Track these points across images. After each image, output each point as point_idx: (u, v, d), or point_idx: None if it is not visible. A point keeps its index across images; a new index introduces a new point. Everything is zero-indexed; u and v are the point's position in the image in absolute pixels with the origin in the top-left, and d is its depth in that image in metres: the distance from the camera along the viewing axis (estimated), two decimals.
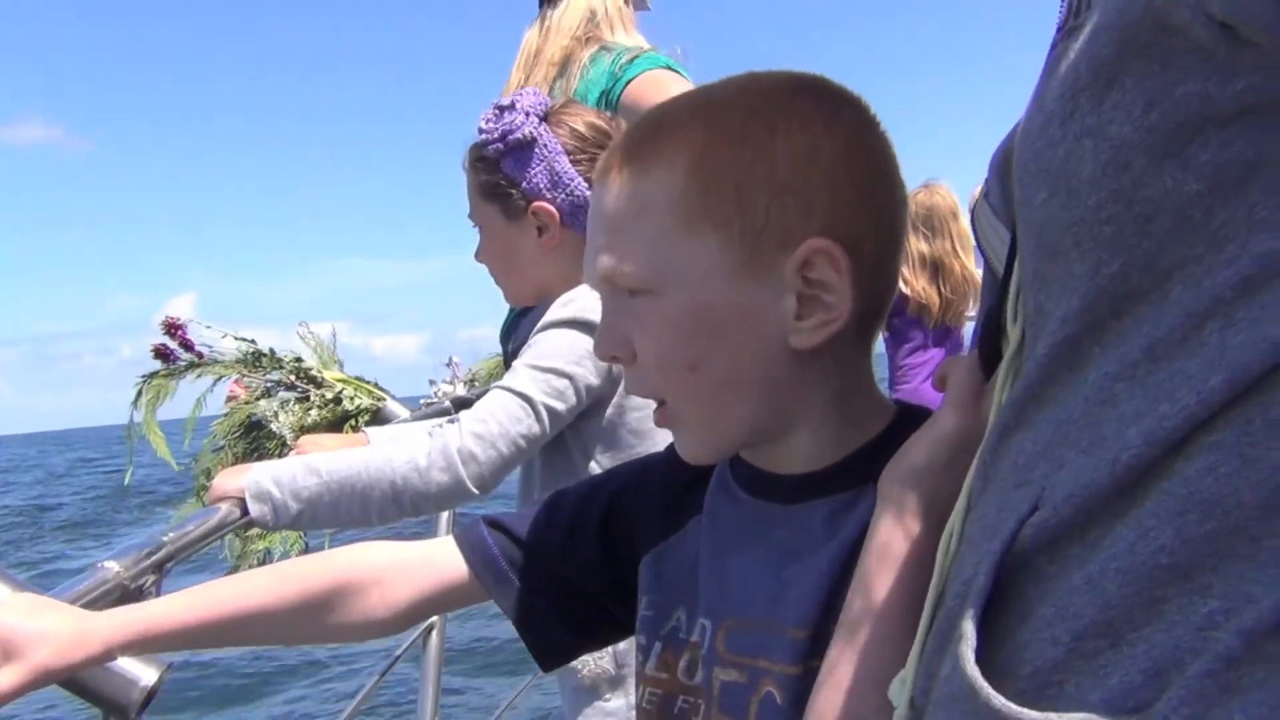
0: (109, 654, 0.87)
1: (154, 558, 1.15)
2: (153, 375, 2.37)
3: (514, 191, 1.59)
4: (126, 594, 1.08)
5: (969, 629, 0.51)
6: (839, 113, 0.76)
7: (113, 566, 1.07)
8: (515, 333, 2.19)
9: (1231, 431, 0.44)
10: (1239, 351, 0.44)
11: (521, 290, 1.70)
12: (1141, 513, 0.46)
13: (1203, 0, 0.42)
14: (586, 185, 1.54)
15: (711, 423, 0.78)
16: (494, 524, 0.92)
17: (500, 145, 1.57)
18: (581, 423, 1.57)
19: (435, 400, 2.56)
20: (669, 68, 2.17)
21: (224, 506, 1.38)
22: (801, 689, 0.72)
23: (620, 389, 1.56)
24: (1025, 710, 0.47)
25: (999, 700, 0.48)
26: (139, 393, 2.34)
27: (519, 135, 1.55)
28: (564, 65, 2.23)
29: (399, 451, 1.44)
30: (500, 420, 1.45)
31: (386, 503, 1.42)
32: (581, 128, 1.57)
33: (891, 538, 0.67)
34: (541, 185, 1.57)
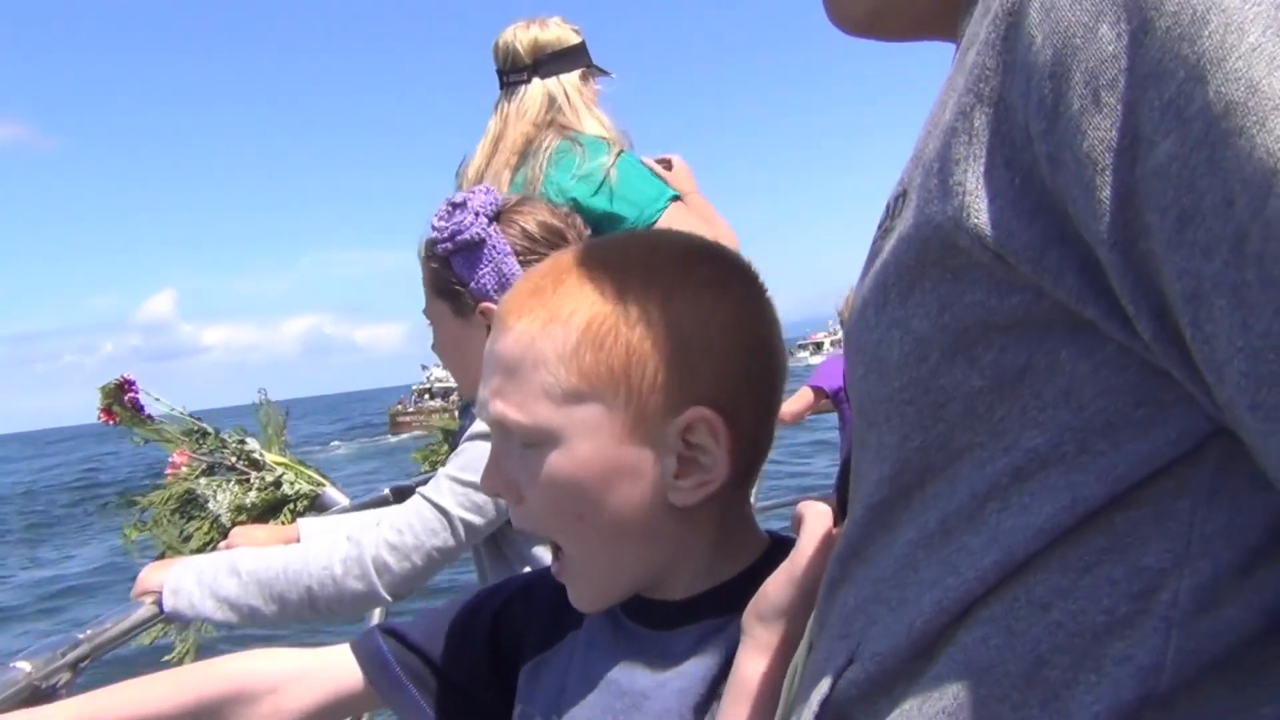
0: None
1: (67, 657, 1.16)
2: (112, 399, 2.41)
3: (462, 290, 1.58)
4: (37, 694, 1.09)
5: None
6: (730, 284, 0.81)
7: (24, 666, 1.08)
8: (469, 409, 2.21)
9: (1001, 607, 0.50)
10: (1009, 535, 0.50)
11: (472, 386, 1.71)
12: (930, 675, 0.52)
13: (977, 232, 0.49)
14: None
15: (599, 572, 0.81)
16: (389, 632, 0.95)
17: (449, 245, 1.56)
18: (511, 533, 1.60)
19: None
20: (675, 199, 2.18)
21: (145, 602, 1.40)
22: None
23: None
24: None
25: None
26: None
27: (467, 236, 1.54)
28: (524, 151, 2.26)
29: (317, 557, 1.46)
30: (416, 532, 1.48)
31: (302, 606, 1.45)
32: (532, 227, 1.56)
33: (747, 672, 0.71)
34: (489, 286, 1.55)
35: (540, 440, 0.77)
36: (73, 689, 1.15)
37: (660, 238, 0.86)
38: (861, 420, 0.59)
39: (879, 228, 0.60)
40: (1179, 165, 0.41)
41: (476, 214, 1.56)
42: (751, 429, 0.80)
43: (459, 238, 1.55)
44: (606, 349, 0.76)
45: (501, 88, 2.37)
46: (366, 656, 0.94)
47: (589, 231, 1.61)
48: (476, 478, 1.49)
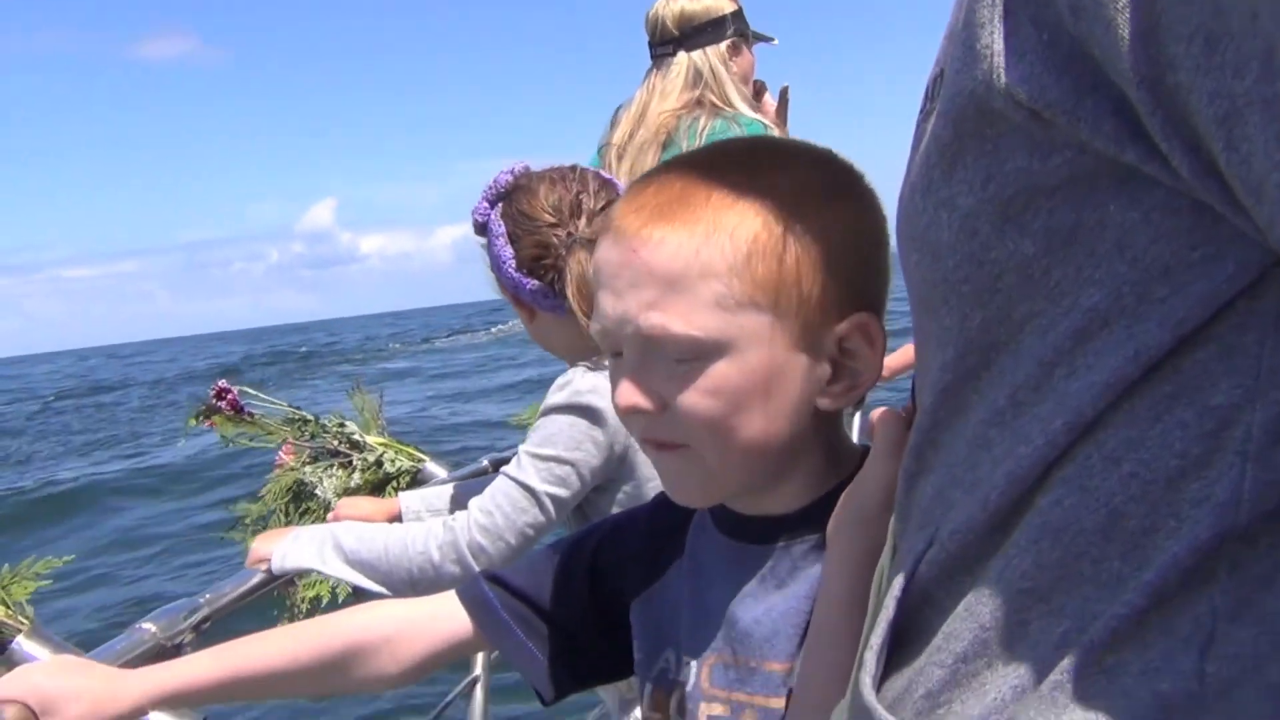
0: (139, 710, 0.94)
1: (190, 620, 1.22)
2: (207, 414, 2.51)
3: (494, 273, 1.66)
4: (164, 653, 1.15)
5: (870, 658, 0.57)
6: (862, 191, 0.83)
7: (150, 628, 1.15)
8: None
9: (1073, 468, 0.50)
10: (1076, 396, 0.49)
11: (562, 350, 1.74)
12: (1009, 543, 0.52)
13: (1011, 91, 0.48)
14: (515, 267, 1.56)
15: (727, 474, 0.81)
16: (492, 579, 0.98)
17: (474, 226, 1.65)
18: (598, 499, 1.62)
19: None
20: None
21: (261, 570, 1.47)
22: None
23: (630, 470, 1.60)
24: None
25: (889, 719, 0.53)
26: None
27: (476, 219, 1.63)
28: (674, 130, 2.22)
29: (415, 543, 1.51)
30: (505, 511, 1.51)
31: (404, 587, 1.51)
32: (525, 207, 1.58)
33: (834, 582, 0.73)
34: (494, 268, 1.62)
35: (705, 352, 0.76)
36: (196, 648, 1.21)
37: (785, 148, 0.87)
38: (921, 310, 0.59)
39: (920, 113, 0.60)
40: None
41: (483, 197, 1.62)
42: (885, 334, 0.82)
43: (475, 221, 1.64)
44: (777, 260, 0.76)
45: (652, 59, 2.33)
46: (473, 603, 0.97)
47: (607, 192, 1.59)
48: (557, 451, 1.53)
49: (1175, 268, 0.46)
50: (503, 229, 1.58)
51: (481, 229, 1.63)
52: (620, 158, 2.20)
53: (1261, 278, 0.45)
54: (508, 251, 1.58)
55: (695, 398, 0.77)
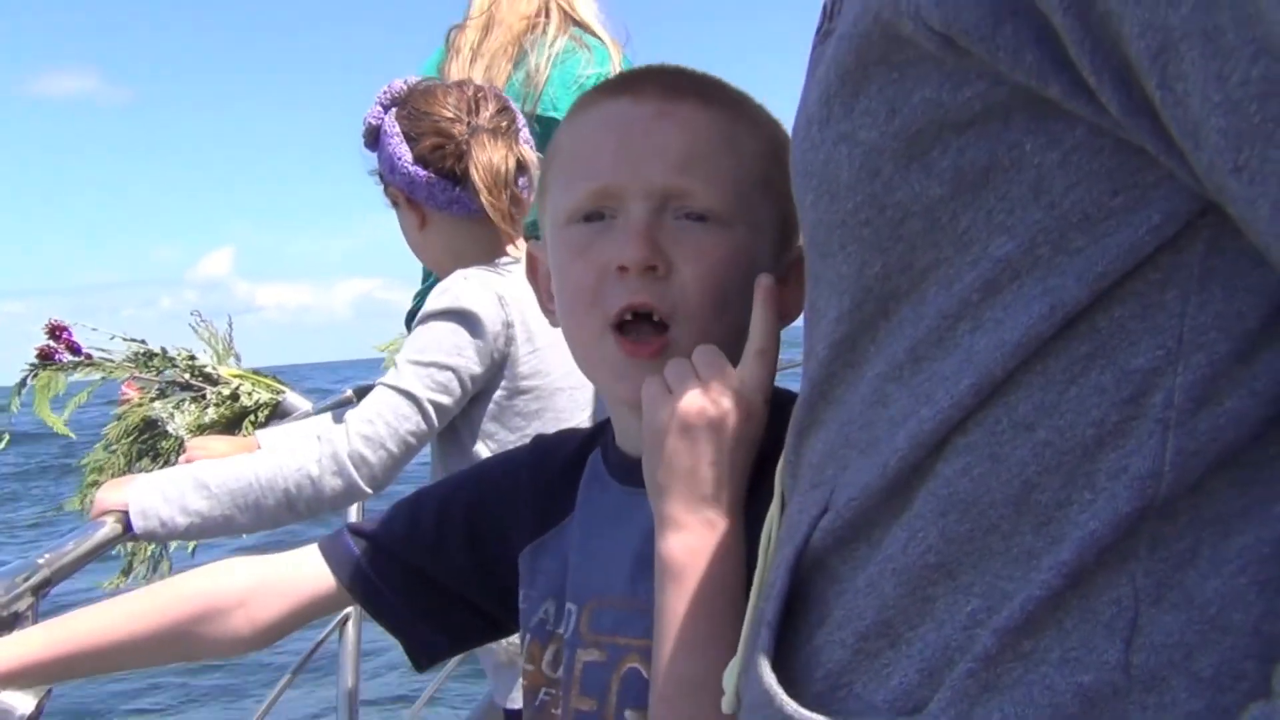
0: None
1: (29, 582, 1.12)
2: (40, 367, 2.32)
3: (380, 178, 1.63)
4: (0, 622, 1.05)
5: (766, 635, 0.53)
6: None
7: None
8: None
9: (981, 433, 0.46)
10: (984, 354, 0.46)
11: (430, 264, 1.73)
12: (911, 514, 0.48)
13: (921, 13, 0.44)
14: (411, 162, 1.55)
15: None
16: (358, 532, 0.92)
17: (364, 136, 1.61)
18: (471, 408, 1.58)
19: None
20: None
21: (107, 522, 1.36)
22: None
23: (508, 373, 1.57)
24: (815, 715, 0.49)
25: (791, 707, 0.50)
26: (23, 381, 2.31)
27: (368, 124, 1.60)
28: (522, 41, 2.08)
29: (289, 460, 1.43)
30: (387, 419, 1.45)
31: (281, 510, 1.43)
32: (423, 105, 1.57)
33: (671, 547, 0.70)
34: (386, 170, 1.59)
35: (726, 217, 0.77)
36: (38, 615, 1.11)
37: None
38: (816, 253, 0.54)
39: (817, 33, 0.55)
40: None
41: (377, 102, 1.60)
42: None
43: (364, 128, 1.61)
44: (780, 167, 0.74)
45: None
46: (338, 561, 0.91)
47: (499, 100, 1.59)
48: (439, 357, 1.48)
49: (1095, 215, 0.43)
50: (397, 128, 1.57)
51: (373, 135, 1.60)
52: (473, 61, 2.08)
53: (1187, 228, 0.43)
54: (403, 149, 1.55)
55: (701, 261, 0.76)
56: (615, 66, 2.09)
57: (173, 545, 2.17)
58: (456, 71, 1.99)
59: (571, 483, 0.87)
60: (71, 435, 2.43)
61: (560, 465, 0.87)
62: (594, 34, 2.15)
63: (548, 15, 2.12)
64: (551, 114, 1.95)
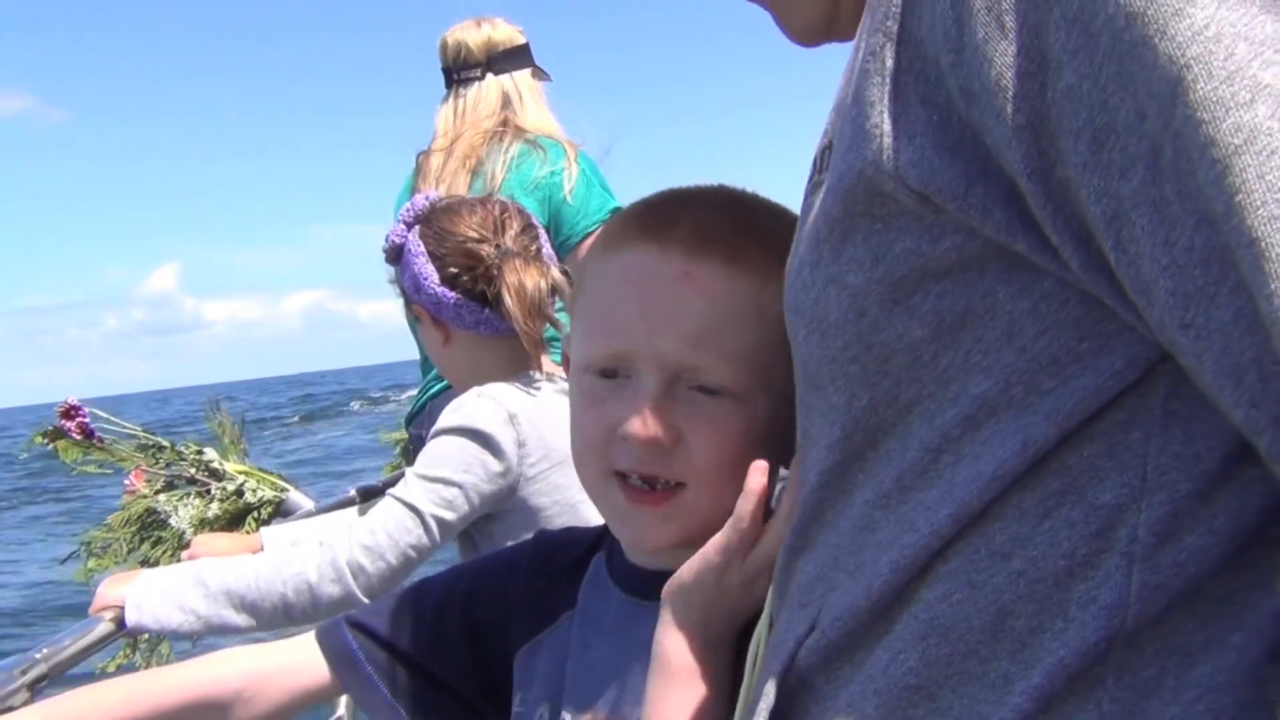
0: None
1: (26, 677, 1.13)
2: (50, 441, 2.37)
3: (403, 293, 1.65)
4: None
5: None
6: None
7: None
8: (418, 418, 2.21)
9: (961, 560, 0.49)
10: (962, 487, 0.49)
11: (453, 379, 1.73)
12: (893, 636, 0.51)
13: (900, 173, 0.48)
14: (439, 283, 1.56)
15: (711, 520, 0.74)
16: (356, 625, 0.93)
17: (385, 252, 1.63)
18: (488, 525, 1.58)
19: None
20: (617, 209, 2.21)
21: (105, 618, 1.37)
22: None
23: (524, 489, 1.56)
24: None
25: None
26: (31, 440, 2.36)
27: (391, 242, 1.61)
28: (482, 153, 2.27)
29: (289, 564, 1.43)
30: (389, 531, 1.46)
31: (276, 615, 1.42)
32: (448, 225, 1.58)
33: (668, 653, 0.71)
34: (410, 289, 1.61)
35: (743, 391, 0.74)
36: None
37: (771, 206, 0.82)
38: (808, 385, 0.58)
39: (809, 182, 0.59)
40: (1090, 84, 0.41)
41: (400, 220, 1.62)
42: None
43: (387, 245, 1.63)
44: None
45: (449, 85, 2.37)
46: (334, 654, 0.92)
47: (523, 217, 1.61)
48: (446, 473, 1.48)
49: (1062, 359, 0.47)
50: (422, 248, 1.57)
51: (396, 254, 1.61)
52: (439, 183, 2.25)
53: (1148, 374, 0.46)
54: (429, 269, 1.56)
55: (715, 437, 0.75)
56: (570, 164, 2.23)
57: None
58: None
59: (574, 582, 0.87)
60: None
61: (563, 564, 0.87)
62: (549, 138, 2.30)
63: (505, 127, 2.30)
64: None
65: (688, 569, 0.72)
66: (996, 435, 0.48)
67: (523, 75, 2.36)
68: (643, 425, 0.74)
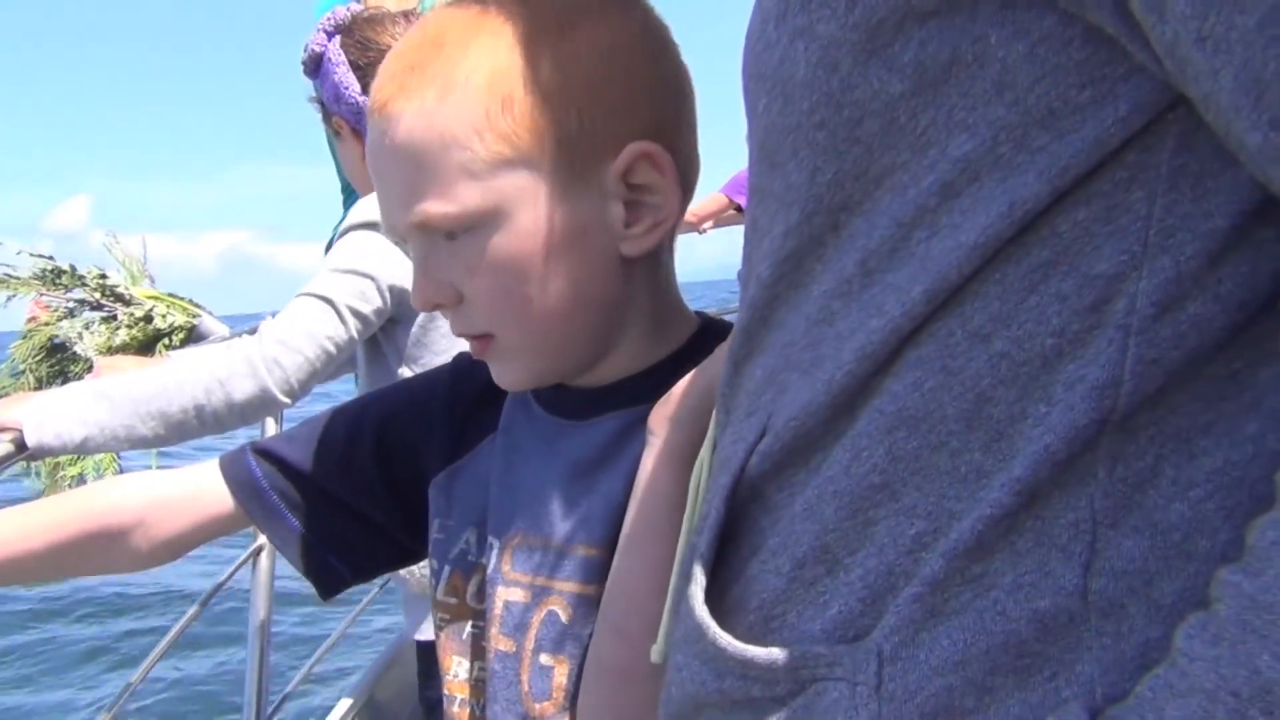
0: None
1: None
2: None
3: (322, 107, 1.59)
4: None
5: (698, 570, 0.51)
6: (620, 6, 0.72)
7: None
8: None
9: (934, 345, 0.44)
10: (939, 259, 0.43)
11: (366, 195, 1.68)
12: (855, 432, 0.46)
13: None
14: (361, 92, 1.52)
15: (544, 352, 0.74)
16: (261, 452, 0.87)
17: (304, 63, 1.58)
18: (394, 331, 1.54)
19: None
20: None
21: (4, 439, 1.28)
22: (592, 607, 0.71)
23: None
24: (749, 647, 0.47)
25: (725, 639, 0.48)
26: None
27: (310, 51, 1.56)
28: None
29: (197, 366, 1.36)
30: (302, 323, 1.39)
31: (187, 419, 1.35)
32: (370, 33, 1.53)
33: (653, 478, 0.66)
34: (330, 100, 1.55)
35: (474, 224, 0.69)
36: None
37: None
38: (764, 166, 0.51)
39: None
40: None
41: (320, 29, 1.55)
42: (686, 158, 0.74)
43: (306, 55, 1.57)
44: (520, 104, 0.67)
45: None
46: (237, 482, 0.86)
47: None
48: (355, 265, 1.43)
49: (1060, 110, 0.41)
50: (344, 58, 1.53)
51: (315, 64, 1.55)
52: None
53: (1156, 122, 0.40)
54: (350, 78, 1.52)
55: (478, 278, 0.71)
56: None
57: (90, 474, 2.10)
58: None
59: (495, 404, 0.82)
60: None
61: (483, 385, 0.81)
62: None
63: None
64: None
65: (675, 396, 0.68)
66: (980, 200, 0.42)
67: None
68: (421, 295, 0.73)
